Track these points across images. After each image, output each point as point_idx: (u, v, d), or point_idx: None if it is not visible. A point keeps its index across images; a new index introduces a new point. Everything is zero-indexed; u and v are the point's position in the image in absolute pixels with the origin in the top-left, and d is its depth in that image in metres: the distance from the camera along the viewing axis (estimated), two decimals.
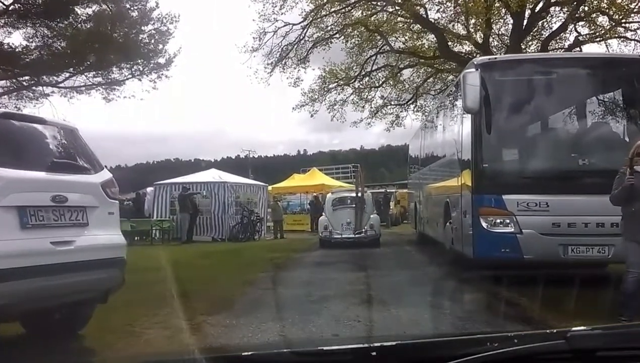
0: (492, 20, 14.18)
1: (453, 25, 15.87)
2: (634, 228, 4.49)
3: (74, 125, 4.21)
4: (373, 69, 18.04)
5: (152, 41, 16.49)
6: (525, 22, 13.89)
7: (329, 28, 16.36)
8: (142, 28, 16.28)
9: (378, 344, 1.26)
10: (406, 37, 16.86)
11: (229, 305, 5.60)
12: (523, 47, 14.33)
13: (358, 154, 63.51)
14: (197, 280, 7.06)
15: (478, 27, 14.40)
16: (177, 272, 6.84)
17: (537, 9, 13.90)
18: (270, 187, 21.71)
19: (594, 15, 13.98)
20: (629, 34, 14.62)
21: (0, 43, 15.14)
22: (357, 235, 12.98)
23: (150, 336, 4.30)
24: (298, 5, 15.61)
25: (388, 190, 26.88)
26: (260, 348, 1.81)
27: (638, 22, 14.32)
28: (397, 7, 15.22)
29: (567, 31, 14.83)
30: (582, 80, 6.85)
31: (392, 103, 19.44)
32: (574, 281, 4.76)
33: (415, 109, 19.41)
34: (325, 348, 1.39)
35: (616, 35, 14.55)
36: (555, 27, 14.96)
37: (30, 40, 15.44)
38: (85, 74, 16.47)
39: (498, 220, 6.28)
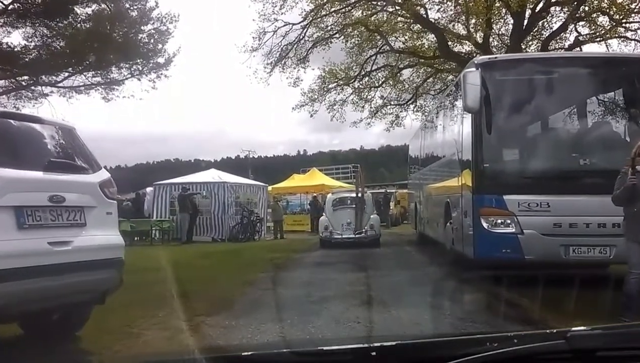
0: (492, 20, 14.17)
1: (453, 25, 15.89)
2: (636, 229, 4.46)
3: (71, 125, 4.18)
4: (373, 68, 18.03)
5: (152, 41, 16.46)
6: (525, 22, 13.88)
7: (329, 28, 16.34)
8: (142, 28, 16.25)
9: (378, 344, 1.26)
10: (406, 37, 16.86)
11: (229, 305, 5.57)
12: (523, 47, 14.31)
13: (358, 154, 63.58)
14: (197, 280, 7.03)
15: (478, 27, 14.39)
16: (177, 273, 6.81)
17: (538, 8, 13.89)
18: (270, 188, 21.69)
19: (595, 15, 13.97)
20: (629, 34, 14.62)
21: None
22: (357, 236, 13.01)
23: (148, 337, 4.27)
24: (298, 5, 15.60)
25: (388, 191, 26.87)
26: (260, 348, 1.80)
27: (638, 22, 14.32)
28: (397, 7, 15.21)
29: (568, 31, 14.84)
30: (583, 79, 6.82)
31: (392, 103, 19.43)
32: (575, 282, 4.73)
33: (415, 109, 19.42)
34: (325, 348, 1.38)
35: (616, 35, 14.53)
36: (555, 27, 14.97)
37: (30, 39, 15.44)
38: (84, 73, 16.44)
39: (499, 221, 6.24)
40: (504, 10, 14.25)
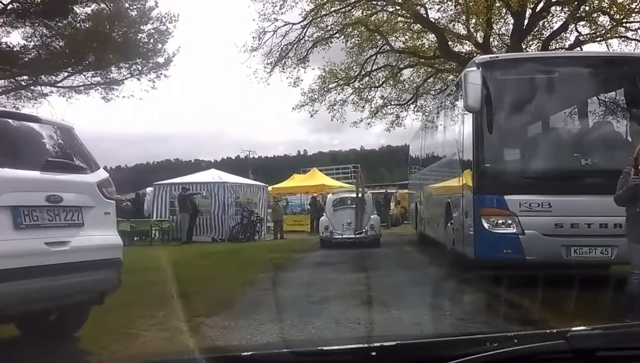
0: (492, 20, 14.15)
1: (453, 25, 15.86)
2: (638, 229, 4.42)
3: (70, 124, 4.14)
4: (373, 68, 18.00)
5: (151, 40, 16.44)
6: (526, 21, 13.85)
7: (329, 28, 16.32)
8: (141, 27, 16.23)
9: (378, 344, 1.25)
10: (406, 37, 16.83)
11: (228, 306, 5.54)
12: (524, 46, 14.29)
13: (358, 154, 63.56)
14: (196, 280, 7.00)
15: (479, 27, 14.37)
16: (176, 273, 6.78)
17: (538, 8, 13.86)
18: (270, 188, 21.66)
19: (595, 15, 13.94)
20: (629, 34, 14.59)
21: None
22: (357, 236, 13.04)
23: (147, 338, 4.24)
24: (298, 4, 15.58)
25: (388, 191, 26.87)
26: (260, 348, 1.79)
27: (639, 21, 14.28)
28: (397, 7, 15.19)
29: (568, 31, 14.81)
30: (584, 79, 6.79)
31: (392, 103, 19.40)
32: (577, 282, 4.70)
33: (415, 109, 19.39)
34: (325, 348, 1.38)
35: (617, 35, 14.51)
36: (556, 26, 14.95)
37: (29, 39, 15.42)
38: (83, 73, 16.42)
39: (500, 221, 6.21)
40: (504, 10, 14.23)
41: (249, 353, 1.29)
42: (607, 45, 14.55)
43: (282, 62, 16.81)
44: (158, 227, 15.89)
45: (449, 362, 1.06)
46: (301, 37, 16.34)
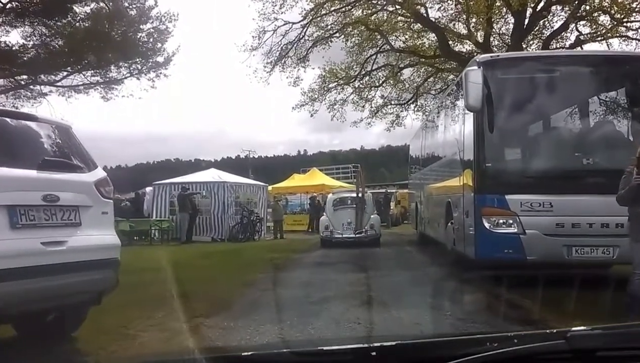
0: (493, 19, 14.12)
1: (454, 24, 15.83)
2: None
3: (67, 123, 4.11)
4: (373, 68, 17.97)
5: (151, 40, 16.40)
6: (526, 21, 13.81)
7: (329, 27, 16.30)
8: (141, 26, 16.18)
9: (378, 344, 1.25)
10: (406, 36, 16.80)
11: (227, 306, 5.51)
12: (524, 46, 14.26)
13: (358, 154, 63.58)
14: (195, 281, 6.97)
15: (479, 26, 14.35)
16: (175, 273, 6.74)
17: (539, 7, 13.82)
18: (270, 187, 21.63)
19: (596, 14, 13.90)
20: (630, 33, 14.54)
21: None
22: (357, 235, 13.09)
23: (145, 339, 4.20)
24: (298, 4, 15.55)
25: (388, 191, 26.84)
26: (260, 348, 1.77)
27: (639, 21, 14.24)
28: (397, 6, 15.15)
29: (569, 30, 14.77)
30: (586, 78, 6.75)
31: (393, 102, 19.37)
32: (578, 282, 4.67)
33: (415, 109, 19.36)
34: (325, 348, 1.38)
35: (617, 35, 14.47)
36: (556, 26, 14.91)
37: (28, 38, 15.38)
38: (83, 72, 16.38)
39: (501, 221, 6.17)
40: (504, 10, 14.19)
41: (249, 353, 1.29)
42: (607, 45, 14.52)
43: (282, 61, 16.80)
44: (157, 226, 15.85)
45: (449, 362, 1.05)
46: (301, 36, 16.34)
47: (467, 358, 1.06)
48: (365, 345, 1.28)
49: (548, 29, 15.25)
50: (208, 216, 16.54)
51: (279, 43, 16.37)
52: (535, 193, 6.14)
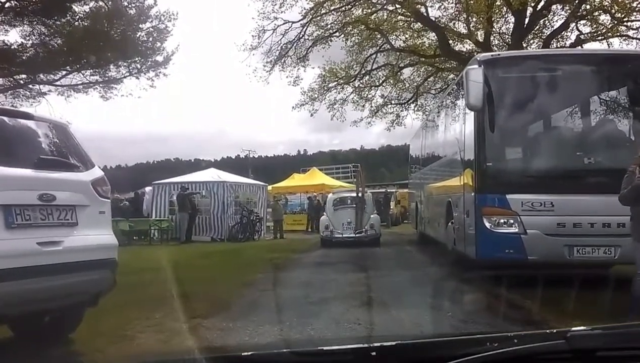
0: (493, 19, 14.08)
1: (454, 24, 15.79)
2: None
3: (64, 121, 4.06)
4: (373, 67, 17.94)
5: (150, 39, 16.35)
6: (526, 20, 13.77)
7: (329, 26, 16.26)
8: (140, 26, 16.14)
9: (378, 344, 1.25)
10: (407, 36, 16.77)
11: (226, 307, 5.47)
12: (524, 45, 14.21)
13: (358, 154, 63.57)
14: (194, 281, 6.92)
15: (479, 26, 14.31)
16: (174, 273, 6.71)
17: (539, 7, 13.77)
18: (270, 187, 21.59)
19: (596, 13, 13.85)
20: (630, 33, 14.50)
21: None
22: (357, 235, 13.12)
23: (142, 340, 4.16)
24: (298, 3, 15.52)
25: (388, 190, 26.80)
26: (260, 348, 1.77)
27: None
28: (397, 5, 15.12)
29: (569, 30, 14.73)
30: (587, 77, 6.71)
31: (393, 102, 19.33)
32: (580, 283, 4.63)
33: (415, 108, 19.33)
34: (325, 348, 1.38)
35: (618, 34, 14.42)
36: (556, 25, 14.85)
37: (27, 38, 15.33)
38: (82, 72, 16.33)
39: (502, 220, 6.13)
40: (505, 9, 14.14)
41: (249, 353, 1.28)
42: (608, 44, 14.47)
43: (282, 60, 16.76)
44: (157, 226, 15.81)
45: (449, 362, 1.05)
46: (301, 35, 16.29)
47: (467, 358, 1.06)
48: (365, 345, 1.28)
49: (548, 28, 15.23)
50: (207, 216, 16.50)
51: (279, 42, 16.36)
52: (536, 192, 6.10)
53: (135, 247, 13.16)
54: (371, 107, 18.90)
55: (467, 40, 15.09)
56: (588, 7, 13.60)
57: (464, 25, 15.05)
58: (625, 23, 14.03)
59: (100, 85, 16.93)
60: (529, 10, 13.61)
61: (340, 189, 17.76)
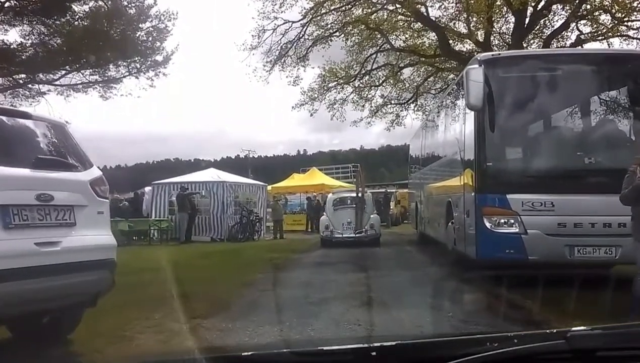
0: (493, 18, 14.05)
1: (454, 24, 15.77)
2: None
3: (62, 121, 4.04)
4: (373, 67, 17.92)
5: (150, 39, 16.31)
6: (527, 20, 13.75)
7: (329, 26, 16.25)
8: (140, 25, 16.10)
9: (378, 344, 1.25)
10: (407, 36, 16.74)
11: (226, 307, 5.45)
12: (525, 45, 14.18)
13: (358, 154, 63.57)
14: (194, 281, 6.90)
15: (479, 25, 14.29)
16: (174, 273, 6.69)
17: (539, 6, 13.76)
18: (269, 187, 21.57)
19: (597, 13, 13.83)
20: (631, 33, 14.49)
21: None
22: (357, 235, 13.13)
23: (141, 341, 4.14)
24: (298, 3, 15.51)
25: (388, 190, 26.78)
26: (260, 348, 1.76)
27: None
28: (397, 5, 15.10)
29: (569, 29, 14.71)
30: (588, 76, 6.69)
31: (393, 102, 19.32)
32: (581, 283, 4.62)
33: (415, 108, 19.31)
34: (325, 348, 1.37)
35: (618, 34, 14.41)
36: (557, 25, 14.83)
37: (27, 37, 15.30)
38: (81, 71, 16.30)
39: (502, 220, 6.12)
40: (505, 8, 14.12)
41: (249, 353, 1.28)
42: (608, 44, 14.45)
43: (282, 60, 16.74)
44: (157, 226, 15.79)
45: (449, 362, 1.05)
46: (301, 35, 16.27)
47: (467, 358, 1.06)
48: (365, 345, 1.28)
49: (549, 28, 15.21)
50: (207, 216, 16.48)
51: (279, 42, 16.34)
52: (536, 192, 6.08)
53: (134, 247, 13.14)
54: (371, 107, 18.91)
55: (467, 40, 15.07)
56: (588, 7, 13.58)
57: (464, 25, 15.04)
58: (625, 23, 14.02)
59: (100, 84, 16.90)
60: (530, 10, 13.59)
61: (340, 189, 17.75)
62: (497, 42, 15.63)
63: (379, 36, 16.49)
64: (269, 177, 29.96)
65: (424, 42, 16.73)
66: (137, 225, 15.62)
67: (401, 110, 19.41)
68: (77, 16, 15.34)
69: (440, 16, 15.45)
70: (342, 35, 16.24)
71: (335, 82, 17.89)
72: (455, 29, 15.52)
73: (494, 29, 14.74)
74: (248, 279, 7.43)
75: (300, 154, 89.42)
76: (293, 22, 15.95)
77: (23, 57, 15.31)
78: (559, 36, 14.98)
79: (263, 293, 6.41)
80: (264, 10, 15.56)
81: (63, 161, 3.71)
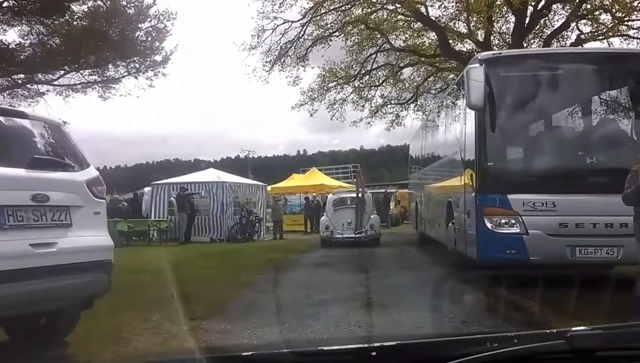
0: (493, 18, 14.02)
1: (454, 23, 15.75)
2: None
3: (58, 120, 3.99)
4: (373, 67, 17.90)
5: (149, 38, 16.28)
6: (527, 19, 13.72)
7: (329, 26, 16.24)
8: (139, 25, 16.07)
9: (378, 344, 1.25)
10: (407, 35, 16.72)
11: (225, 309, 5.41)
12: (525, 45, 14.16)
13: (358, 154, 63.54)
14: (193, 282, 6.85)
15: (479, 25, 14.26)
16: (173, 274, 6.63)
17: (540, 6, 13.73)
18: (269, 187, 21.53)
19: (597, 13, 13.81)
20: (631, 32, 14.46)
21: None
22: (357, 235, 13.15)
23: (139, 343, 4.09)
24: (297, 2, 15.48)
25: (388, 191, 26.76)
26: (260, 348, 1.75)
27: None
28: (397, 5, 15.07)
29: (570, 29, 14.68)
30: (590, 76, 6.64)
31: (392, 102, 19.30)
32: (583, 283, 4.58)
33: (415, 108, 19.30)
34: (325, 348, 1.38)
35: (619, 34, 14.39)
36: (557, 24, 14.82)
37: (25, 37, 15.28)
38: (80, 71, 16.27)
39: (503, 221, 6.07)
40: (505, 8, 14.10)
41: (249, 353, 1.28)
42: (608, 44, 14.43)
43: (282, 60, 16.72)
44: (156, 227, 15.75)
45: (449, 362, 1.05)
46: (300, 35, 16.26)
47: (467, 358, 1.06)
48: (366, 345, 1.28)
49: (549, 27, 15.19)
50: (207, 216, 16.44)
51: (279, 42, 16.32)
52: (538, 192, 6.04)
53: (134, 247, 13.10)
54: (371, 107, 18.89)
55: (468, 40, 15.05)
56: (589, 6, 13.56)
57: (464, 24, 15.01)
58: (626, 22, 13.99)
59: (99, 85, 16.87)
60: (530, 9, 13.56)
61: (340, 190, 17.73)
62: (497, 41, 15.61)
63: (378, 36, 16.46)
64: (269, 177, 29.94)
65: (424, 41, 16.71)
66: (136, 225, 15.59)
67: (401, 110, 19.42)
68: (76, 16, 15.31)
69: (440, 16, 15.45)
70: (342, 35, 16.22)
71: (335, 82, 17.87)
72: (455, 29, 15.49)
73: (494, 29, 14.71)
74: (247, 280, 7.39)
75: (300, 154, 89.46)
76: (293, 21, 15.95)
77: (22, 57, 15.27)
78: (559, 36, 14.96)
79: (262, 294, 6.36)
80: (264, 10, 15.56)
81: (59, 161, 3.66)
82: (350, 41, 16.51)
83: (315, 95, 17.90)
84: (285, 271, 8.83)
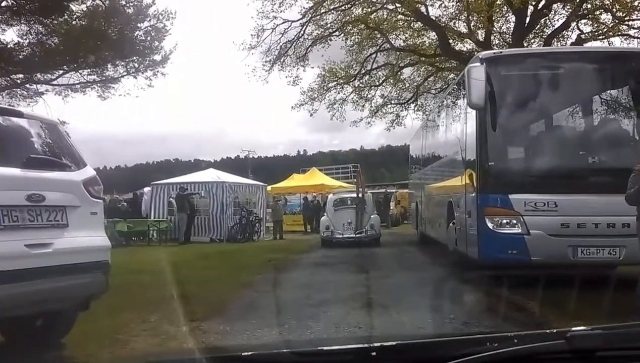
0: (494, 18, 13.98)
1: (454, 23, 15.71)
2: None
3: (54, 119, 3.95)
4: (373, 67, 17.87)
5: (148, 38, 16.22)
6: (527, 19, 13.68)
7: (329, 25, 16.20)
8: (138, 25, 16.02)
9: (378, 344, 1.25)
10: (407, 35, 16.68)
11: (224, 309, 5.38)
12: (525, 44, 14.11)
13: (358, 154, 63.48)
14: (192, 282, 6.82)
15: (480, 25, 14.22)
16: (172, 274, 6.59)
17: (540, 6, 13.69)
18: (269, 187, 21.50)
19: (597, 12, 13.77)
20: (632, 32, 14.42)
21: None
22: (357, 235, 13.15)
23: (137, 344, 4.05)
24: (297, 2, 15.43)
25: (388, 191, 26.73)
26: (260, 348, 1.74)
27: None
28: (397, 4, 15.04)
29: (570, 29, 14.65)
30: (591, 75, 6.60)
31: (393, 102, 19.27)
32: (585, 284, 4.54)
33: (415, 108, 19.26)
34: (325, 348, 1.38)
35: (619, 33, 14.35)
36: (557, 24, 14.78)
37: (24, 37, 15.20)
38: (79, 71, 16.22)
39: (504, 221, 6.03)
40: (505, 8, 14.06)
41: (249, 353, 1.28)
42: (609, 44, 14.38)
43: (281, 60, 16.68)
44: (156, 227, 15.72)
45: (449, 362, 1.05)
46: (300, 35, 16.22)
47: (467, 358, 1.06)
48: (366, 345, 1.28)
49: (549, 27, 15.15)
50: (207, 216, 16.41)
51: (278, 42, 16.28)
52: (539, 192, 6.00)
53: (133, 247, 13.06)
54: (371, 107, 18.86)
55: (468, 40, 15.02)
56: (589, 6, 13.52)
57: (465, 24, 14.99)
58: (626, 22, 13.95)
59: (98, 84, 16.82)
60: (530, 9, 13.53)
61: (340, 190, 17.69)
62: (497, 41, 15.57)
63: (378, 36, 16.42)
64: (269, 177, 29.91)
65: (424, 41, 16.68)
66: (136, 225, 15.57)
67: (401, 110, 19.39)
68: (75, 15, 15.24)
69: (440, 15, 15.42)
70: (342, 34, 16.18)
71: (335, 82, 17.84)
72: (455, 29, 15.46)
73: (494, 29, 14.68)
74: (247, 280, 7.35)
75: (300, 154, 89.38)
76: (292, 21, 15.91)
77: (20, 57, 15.21)
78: (560, 35, 14.92)
79: (262, 294, 6.33)
80: (263, 10, 15.52)
81: (55, 160, 3.62)
82: (350, 41, 16.49)
83: (315, 95, 17.88)
84: (285, 271, 8.80)
